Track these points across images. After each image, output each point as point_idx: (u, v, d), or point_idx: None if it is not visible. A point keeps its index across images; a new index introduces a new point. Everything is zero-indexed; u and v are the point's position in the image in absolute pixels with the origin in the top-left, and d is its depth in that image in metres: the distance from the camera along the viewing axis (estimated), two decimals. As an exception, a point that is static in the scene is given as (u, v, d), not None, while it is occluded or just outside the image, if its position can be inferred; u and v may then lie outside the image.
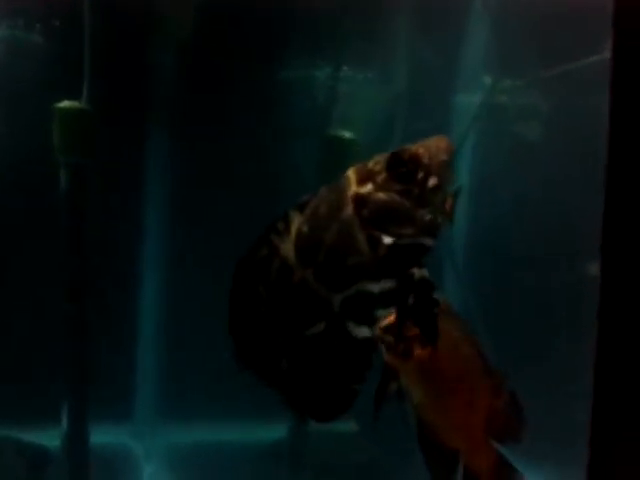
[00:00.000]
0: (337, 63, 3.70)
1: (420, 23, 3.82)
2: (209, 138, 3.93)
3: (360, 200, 1.04)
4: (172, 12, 3.49)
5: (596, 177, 3.73)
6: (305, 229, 1.09)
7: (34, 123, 3.08)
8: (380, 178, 1.04)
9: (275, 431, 4.02)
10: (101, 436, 3.35)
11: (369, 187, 1.04)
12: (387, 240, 1.03)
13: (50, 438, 3.52)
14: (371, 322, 1.06)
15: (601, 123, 3.64)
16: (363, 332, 1.06)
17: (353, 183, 1.06)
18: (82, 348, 3.18)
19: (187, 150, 4.00)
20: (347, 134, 3.36)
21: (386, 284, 1.04)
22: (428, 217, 1.02)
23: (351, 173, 1.07)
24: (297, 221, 1.10)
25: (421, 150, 1.02)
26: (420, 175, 1.02)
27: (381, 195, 1.03)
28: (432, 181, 1.02)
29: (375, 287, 1.04)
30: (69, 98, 2.83)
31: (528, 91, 4.18)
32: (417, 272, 1.03)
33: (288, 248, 1.10)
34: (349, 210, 1.05)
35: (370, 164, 1.06)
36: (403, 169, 1.03)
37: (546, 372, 3.45)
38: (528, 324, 3.83)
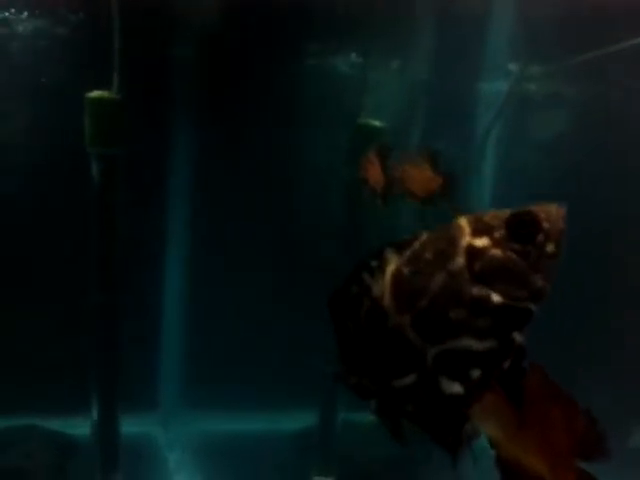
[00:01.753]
0: (365, 52, 3.66)
1: (445, 11, 3.79)
2: (236, 127, 3.93)
3: (474, 253, 0.99)
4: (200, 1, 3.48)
5: (622, 166, 3.68)
6: (406, 272, 1.03)
7: (66, 114, 3.09)
8: (498, 234, 0.99)
9: (300, 421, 4.03)
10: (127, 425, 3.36)
11: (485, 241, 0.99)
12: (497, 299, 0.98)
13: (76, 427, 3.56)
14: (464, 380, 1.00)
15: (629, 110, 3.58)
16: (455, 389, 1.01)
17: (467, 234, 1.01)
18: (112, 338, 3.20)
19: (214, 139, 4.00)
20: (376, 122, 3.34)
21: (487, 344, 0.99)
22: (541, 283, 0.98)
23: (464, 223, 1.02)
24: (394, 262, 1.04)
25: (542, 214, 0.98)
26: (539, 239, 0.98)
27: (498, 252, 0.98)
28: (550, 247, 0.97)
29: (475, 345, 0.99)
30: (99, 88, 2.82)
31: (556, 78, 4.14)
32: (518, 337, 0.99)
33: (381, 289, 1.04)
34: (460, 261, 1.00)
35: (486, 217, 1.00)
36: (524, 230, 0.98)
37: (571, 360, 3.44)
38: (552, 313, 3.81)
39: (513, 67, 4.13)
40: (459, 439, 1.02)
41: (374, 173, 2.78)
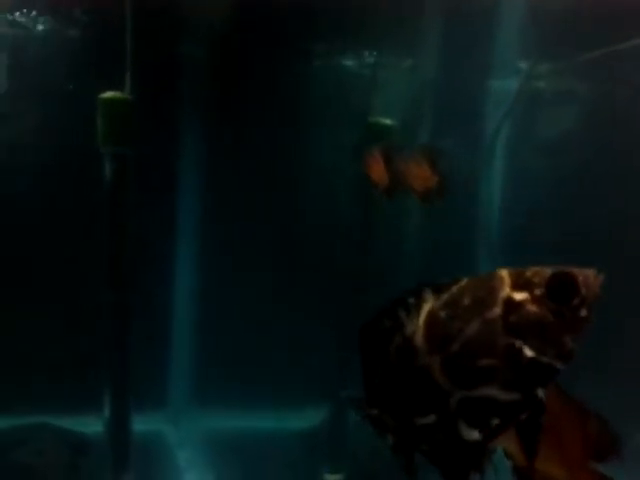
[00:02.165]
0: (374, 51, 3.68)
1: (454, 9, 3.79)
2: (246, 127, 3.94)
3: (512, 305, 1.03)
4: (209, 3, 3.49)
5: (633, 164, 3.67)
6: (442, 315, 1.06)
7: (77, 114, 3.10)
8: (538, 291, 1.02)
9: (310, 419, 4.05)
10: (138, 423, 3.38)
11: (524, 295, 1.02)
12: (529, 353, 1.01)
13: (87, 425, 3.58)
14: (483, 427, 1.03)
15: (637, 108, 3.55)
16: (472, 435, 1.04)
17: (507, 285, 1.04)
18: (122, 336, 3.21)
19: (225, 139, 4.01)
20: (387, 121, 3.36)
21: (511, 396, 1.02)
22: (571, 345, 1.01)
23: (505, 275, 1.04)
24: (431, 303, 1.07)
25: (581, 278, 1.02)
26: (575, 302, 1.01)
27: (535, 308, 1.02)
28: (584, 312, 1.01)
29: (500, 395, 1.02)
30: (111, 89, 2.85)
31: (565, 76, 4.13)
32: (540, 393, 1.02)
33: (415, 327, 1.07)
34: (497, 311, 1.03)
35: (528, 273, 1.04)
36: (562, 291, 1.01)
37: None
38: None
39: (523, 65, 4.12)
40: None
41: (377, 169, 2.86)
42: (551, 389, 1.15)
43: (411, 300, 1.07)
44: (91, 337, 3.31)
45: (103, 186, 2.92)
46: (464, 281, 1.07)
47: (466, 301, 1.04)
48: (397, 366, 1.08)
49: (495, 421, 1.03)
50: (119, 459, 3.27)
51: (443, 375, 1.04)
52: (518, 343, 1.01)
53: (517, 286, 1.03)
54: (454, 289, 1.06)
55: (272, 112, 4.00)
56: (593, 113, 3.98)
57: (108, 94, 2.84)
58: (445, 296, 1.06)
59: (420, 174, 2.66)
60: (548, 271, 1.02)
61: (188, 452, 4.06)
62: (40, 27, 3.47)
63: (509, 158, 4.37)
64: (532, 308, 1.01)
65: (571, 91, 4.20)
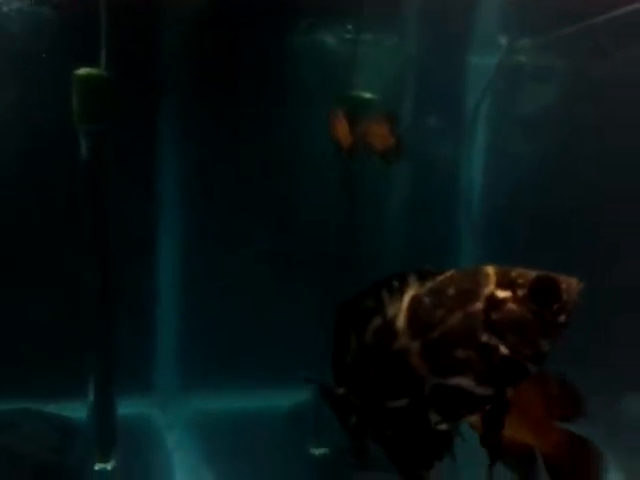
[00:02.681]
0: (356, 27, 3.69)
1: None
2: (227, 104, 3.91)
3: (495, 302, 1.06)
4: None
5: (611, 140, 3.67)
6: (426, 301, 1.08)
7: (54, 91, 3.07)
8: (520, 291, 1.05)
9: (294, 398, 4.06)
10: (124, 406, 3.38)
11: (507, 294, 1.06)
12: (504, 351, 1.04)
13: (73, 410, 3.58)
14: (451, 417, 1.07)
15: (619, 83, 3.56)
16: (440, 423, 1.07)
17: (492, 282, 1.07)
18: (106, 319, 3.20)
19: (204, 116, 3.99)
20: (367, 94, 3.39)
21: (483, 390, 1.05)
22: (546, 348, 1.04)
23: (491, 272, 1.08)
24: (415, 288, 1.09)
25: (564, 285, 1.05)
26: (555, 307, 1.04)
27: (516, 307, 1.05)
28: (562, 317, 1.04)
29: (473, 388, 1.05)
30: (87, 65, 2.83)
31: (544, 52, 4.13)
32: (510, 392, 1.05)
33: (397, 310, 1.09)
34: (479, 306, 1.06)
35: (513, 273, 1.07)
36: (544, 295, 1.05)
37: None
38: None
39: (503, 40, 4.13)
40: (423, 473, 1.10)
41: (342, 130, 3.04)
42: None
43: (395, 283, 1.10)
44: (76, 322, 3.30)
45: (80, 164, 2.90)
46: (450, 272, 1.10)
47: (450, 291, 1.07)
48: (374, 347, 1.10)
49: (463, 411, 1.07)
50: (105, 442, 3.28)
51: (421, 360, 1.07)
52: (495, 340, 1.04)
53: (501, 284, 1.06)
54: (440, 278, 1.09)
55: (254, 91, 3.98)
56: (572, 88, 3.99)
57: (83, 71, 2.83)
58: (430, 284, 1.09)
59: (380, 134, 2.84)
60: (533, 274, 1.06)
61: (176, 434, 4.07)
62: (12, 5, 3.42)
63: (490, 132, 4.38)
64: (513, 307, 1.04)
65: (551, 66, 4.20)
